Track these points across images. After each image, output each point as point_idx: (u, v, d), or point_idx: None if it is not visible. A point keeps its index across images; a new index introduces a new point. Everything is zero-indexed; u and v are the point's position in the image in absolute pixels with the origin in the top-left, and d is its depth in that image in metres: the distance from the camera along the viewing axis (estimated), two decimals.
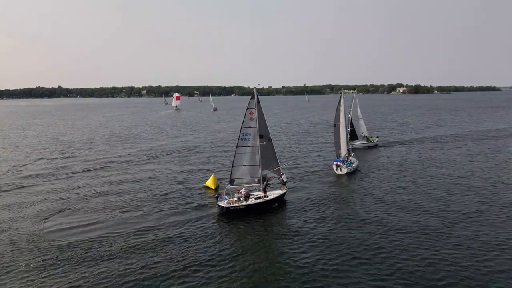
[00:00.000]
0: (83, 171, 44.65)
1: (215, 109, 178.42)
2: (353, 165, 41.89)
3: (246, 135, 30.28)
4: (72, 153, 58.17)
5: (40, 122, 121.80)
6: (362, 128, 60.22)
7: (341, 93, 45.56)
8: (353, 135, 56.40)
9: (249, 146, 30.24)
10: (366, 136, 59.40)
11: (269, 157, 30.89)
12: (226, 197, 28.68)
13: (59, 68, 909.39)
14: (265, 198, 29.38)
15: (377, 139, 61.29)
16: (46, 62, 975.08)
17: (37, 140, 74.35)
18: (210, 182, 36.20)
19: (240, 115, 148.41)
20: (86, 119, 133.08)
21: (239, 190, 29.57)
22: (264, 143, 30.62)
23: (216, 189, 35.28)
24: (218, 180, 37.37)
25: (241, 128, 30.32)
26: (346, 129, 44.49)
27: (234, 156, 30.35)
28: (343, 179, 38.59)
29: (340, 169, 40.52)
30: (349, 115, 53.95)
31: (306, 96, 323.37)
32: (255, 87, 31.00)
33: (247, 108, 30.17)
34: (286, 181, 31.59)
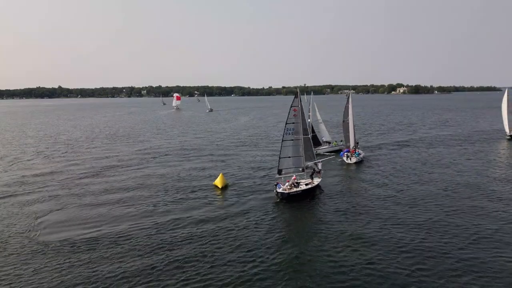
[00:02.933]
0: (87, 172, 44.53)
1: (211, 110, 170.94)
2: (361, 155, 47.45)
3: (290, 130, 34.11)
4: (75, 152, 58.29)
5: (41, 122, 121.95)
6: (324, 133, 56.12)
7: (348, 92, 52.64)
8: (315, 141, 51.50)
9: (292, 140, 34.23)
10: (327, 141, 55.23)
11: (308, 149, 35.33)
12: (281, 185, 32.44)
13: (60, 68, 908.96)
14: (313, 184, 33.53)
15: (341, 142, 55.69)
16: (47, 62, 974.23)
17: (39, 140, 74.45)
18: (218, 181, 36.21)
19: (239, 114, 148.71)
20: (87, 119, 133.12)
21: (288, 179, 33.38)
22: (309, 136, 35.46)
23: (225, 187, 35.50)
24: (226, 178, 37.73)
25: (286, 123, 34.00)
26: (352, 124, 48.98)
27: (280, 149, 34.31)
28: (353, 167, 44.51)
29: (350, 159, 46.21)
30: (308, 120, 51.30)
31: (305, 97, 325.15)
32: (298, 88, 34.55)
33: (291, 106, 33.73)
34: (321, 170, 35.91)
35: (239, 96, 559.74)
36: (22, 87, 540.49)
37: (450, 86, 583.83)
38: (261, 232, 24.90)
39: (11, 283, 19.12)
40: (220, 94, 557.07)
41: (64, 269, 20.32)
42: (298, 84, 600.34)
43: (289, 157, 34.27)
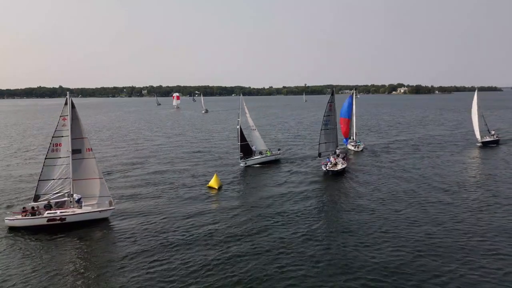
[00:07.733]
0: None
1: (206, 111, 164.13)
2: (363, 144, 57.08)
3: (327, 121, 43.14)
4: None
5: (42, 121, 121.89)
6: (257, 141, 48.85)
7: (352, 92, 60.72)
8: (246, 150, 46.61)
9: (328, 129, 43.12)
10: (260, 151, 48.25)
11: (336, 138, 44.44)
12: (326, 164, 40.52)
13: (60, 68, 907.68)
14: (345, 164, 41.62)
15: (278, 151, 50.07)
16: (47, 62, 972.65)
17: (38, 139, 74.34)
18: (213, 182, 36.03)
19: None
20: (86, 118, 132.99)
21: (328, 160, 41.57)
22: (336, 127, 44.40)
23: (220, 188, 35.35)
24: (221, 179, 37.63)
25: (324, 116, 43.12)
26: (355, 119, 56.61)
27: (320, 136, 43.14)
28: (360, 153, 53.52)
29: (358, 147, 55.03)
30: (238, 126, 46.79)
31: (304, 97, 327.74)
32: (333, 87, 39.68)
33: (328, 102, 42.88)
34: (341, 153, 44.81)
35: (239, 96, 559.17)
36: (23, 87, 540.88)
37: (451, 86, 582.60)
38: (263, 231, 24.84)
39: (10, 282, 19.12)
40: (220, 94, 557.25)
41: (51, 266, 20.26)
42: (299, 84, 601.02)
43: (325, 143, 43.04)
